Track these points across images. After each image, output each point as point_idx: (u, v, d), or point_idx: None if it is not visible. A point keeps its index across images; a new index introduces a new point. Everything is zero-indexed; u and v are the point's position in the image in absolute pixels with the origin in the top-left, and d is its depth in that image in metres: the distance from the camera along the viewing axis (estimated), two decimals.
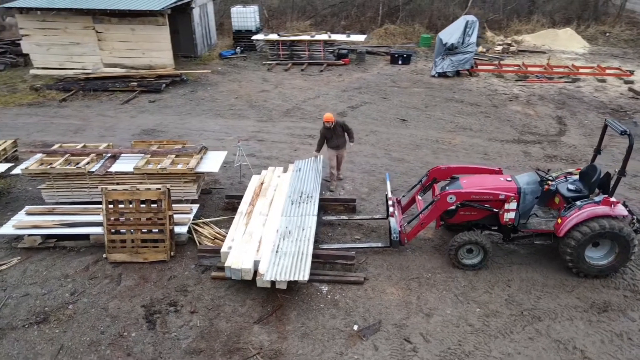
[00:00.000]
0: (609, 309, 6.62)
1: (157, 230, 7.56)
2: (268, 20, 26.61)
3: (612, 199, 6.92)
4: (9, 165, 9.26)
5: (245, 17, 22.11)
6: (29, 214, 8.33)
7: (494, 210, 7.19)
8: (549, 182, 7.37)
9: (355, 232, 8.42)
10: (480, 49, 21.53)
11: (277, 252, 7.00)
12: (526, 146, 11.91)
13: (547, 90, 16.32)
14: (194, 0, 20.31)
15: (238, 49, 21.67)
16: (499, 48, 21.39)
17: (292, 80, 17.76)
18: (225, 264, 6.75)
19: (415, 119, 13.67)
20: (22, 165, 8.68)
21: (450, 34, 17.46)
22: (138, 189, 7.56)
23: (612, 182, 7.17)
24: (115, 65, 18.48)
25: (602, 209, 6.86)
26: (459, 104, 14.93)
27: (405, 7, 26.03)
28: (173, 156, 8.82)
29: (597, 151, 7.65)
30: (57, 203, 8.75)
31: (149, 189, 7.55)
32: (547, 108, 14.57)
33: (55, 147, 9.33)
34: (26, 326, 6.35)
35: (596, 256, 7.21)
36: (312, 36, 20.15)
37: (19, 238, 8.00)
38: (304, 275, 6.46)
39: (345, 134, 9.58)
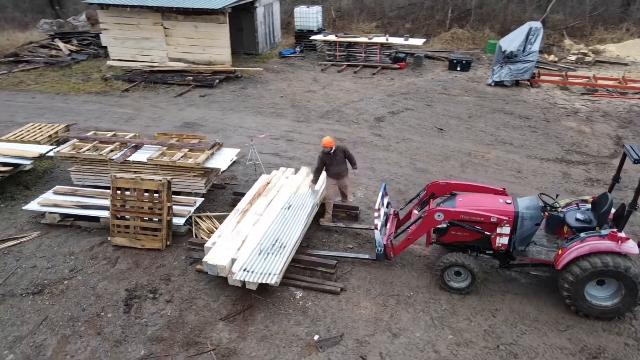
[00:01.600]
0: (600, 357, 5.95)
1: (156, 219, 7.96)
2: (335, 20, 26.73)
3: (621, 234, 6.19)
4: (50, 147, 10.19)
5: (307, 17, 22.41)
6: (55, 193, 9.14)
7: (486, 233, 6.73)
8: (556, 208, 6.76)
9: (350, 241, 8.28)
10: (551, 57, 20.05)
11: (259, 253, 7.07)
12: (568, 167, 10.94)
13: (615, 106, 14.84)
14: (259, 0, 20.94)
15: (297, 48, 22.01)
16: (573, 57, 19.76)
17: (341, 82, 17.73)
18: (204, 259, 6.96)
19: (454, 129, 13.07)
20: (57, 149, 9.53)
21: (510, 41, 16.46)
22: (142, 179, 8.02)
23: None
24: (179, 60, 19.58)
25: (606, 244, 6.16)
26: (507, 115, 14.05)
27: (477, 10, 24.87)
28: (186, 150, 9.21)
29: (616, 179, 6.87)
30: (82, 185, 9.50)
31: (153, 179, 7.97)
32: (607, 126, 13.26)
33: (90, 134, 10.14)
34: (23, 295, 7.00)
35: (600, 296, 6.50)
36: (370, 38, 19.94)
37: (45, 214, 8.80)
38: (272, 279, 6.49)
39: (347, 160, 8.53)
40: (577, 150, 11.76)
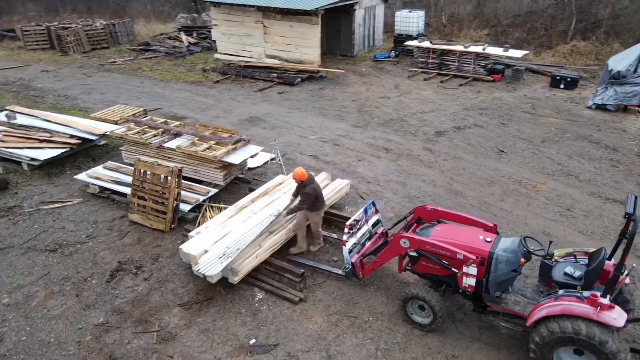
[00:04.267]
0: None
1: (164, 203, 8.64)
2: (445, 26, 25.63)
3: (604, 300, 5.16)
4: (113, 127, 11.53)
5: (408, 21, 21.87)
6: (105, 167, 10.39)
7: (453, 269, 6.09)
8: (548, 257, 5.90)
9: (339, 254, 8.06)
10: None
11: (226, 249, 7.27)
12: None
13: None
14: (359, 2, 21.00)
15: (392, 53, 21.63)
16: None
17: (422, 91, 17.05)
18: (181, 246, 7.40)
19: (517, 153, 11.82)
20: (112, 129, 10.81)
21: (620, 60, 14.27)
22: (159, 164, 8.76)
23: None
24: (274, 57, 20.58)
25: (581, 308, 5.21)
26: (590, 144, 12.25)
27: (610, 22, 21.86)
28: (213, 142, 9.77)
29: (623, 234, 5.70)
30: (129, 164, 10.64)
31: (166, 166, 8.66)
32: None
33: (146, 119, 11.28)
34: (42, 250, 8.16)
35: None
36: (466, 47, 18.79)
37: (89, 185, 10.06)
38: (213, 278, 6.71)
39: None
40: None
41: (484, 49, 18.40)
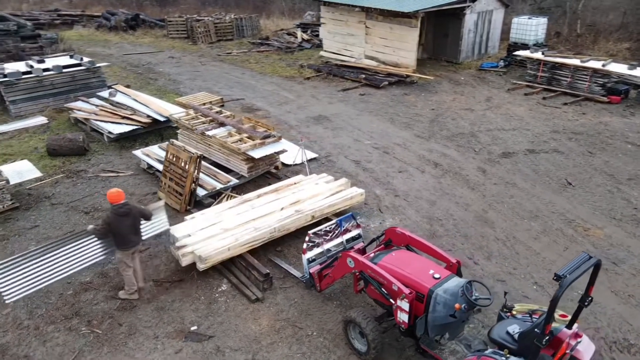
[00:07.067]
0: None
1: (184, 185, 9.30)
2: (578, 36, 22.69)
3: None
4: (178, 111, 12.59)
5: (525, 29, 19.88)
6: (159, 147, 11.48)
7: (390, 300, 5.58)
8: (506, 310, 5.15)
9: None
10: None
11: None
12: None
13: None
14: (471, 5, 19.69)
15: (501, 62, 19.87)
16: None
17: (514, 106, 15.44)
18: (171, 227, 7.91)
19: (587, 189, 10.11)
20: (172, 113, 11.86)
21: None
22: (185, 150, 9.43)
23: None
24: (372, 58, 20.39)
25: None
26: None
27: None
28: (245, 135, 10.17)
29: (582, 301, 4.63)
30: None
31: (191, 153, 9.30)
32: None
33: (206, 107, 12.15)
34: (80, 211, 9.38)
35: None
36: (583, 61, 16.45)
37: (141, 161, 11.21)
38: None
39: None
40: None
41: (603, 65, 15.94)
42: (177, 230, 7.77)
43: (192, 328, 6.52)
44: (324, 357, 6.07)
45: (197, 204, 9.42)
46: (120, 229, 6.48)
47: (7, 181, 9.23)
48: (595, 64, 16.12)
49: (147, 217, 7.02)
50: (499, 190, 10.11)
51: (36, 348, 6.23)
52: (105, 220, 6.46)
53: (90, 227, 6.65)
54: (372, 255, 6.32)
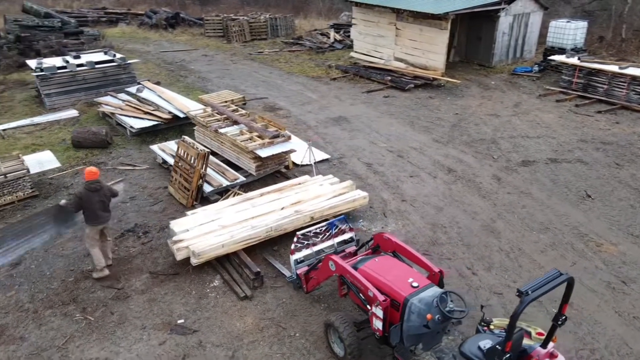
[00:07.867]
0: None
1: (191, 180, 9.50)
2: (623, 41, 21.58)
3: None
4: (196, 108, 12.84)
5: (563, 33, 19.07)
6: (175, 142, 11.76)
7: (367, 306, 5.50)
8: (484, 324, 5.00)
9: None
10: None
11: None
12: None
13: None
14: (506, 8, 19.10)
15: (536, 67, 19.15)
16: None
17: (543, 113, 14.86)
18: (172, 222, 8.10)
19: (607, 202, 9.60)
20: (190, 110, 12.13)
21: None
22: (194, 146, 9.63)
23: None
24: (402, 60, 20.13)
25: None
26: None
27: None
28: (255, 134, 10.28)
29: (556, 320, 4.41)
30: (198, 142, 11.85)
31: (198, 150, 9.48)
32: None
33: (224, 105, 12.35)
34: None
35: None
36: (622, 67, 15.63)
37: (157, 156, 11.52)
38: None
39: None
40: None
41: None
42: (177, 224, 7.95)
43: (179, 321, 6.65)
44: (302, 358, 6.05)
45: (204, 200, 9.60)
46: (90, 204, 7.00)
47: (28, 170, 9.70)
48: (635, 71, 15.28)
49: (115, 195, 7.56)
50: (511, 199, 9.76)
51: (32, 331, 6.53)
52: (77, 195, 7.06)
53: (63, 201, 7.39)
54: (357, 259, 6.25)
